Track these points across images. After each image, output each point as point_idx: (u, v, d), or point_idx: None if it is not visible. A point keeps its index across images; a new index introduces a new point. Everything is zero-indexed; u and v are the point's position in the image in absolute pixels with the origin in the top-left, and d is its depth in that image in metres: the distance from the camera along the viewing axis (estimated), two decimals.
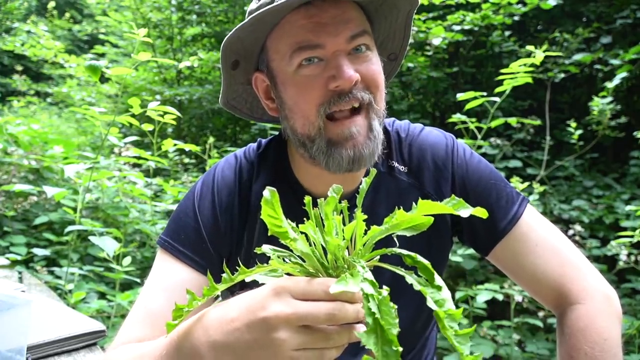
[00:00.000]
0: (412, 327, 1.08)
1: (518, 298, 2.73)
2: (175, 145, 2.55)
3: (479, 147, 3.12)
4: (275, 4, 0.84)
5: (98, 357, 1.19)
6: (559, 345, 0.98)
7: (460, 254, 2.89)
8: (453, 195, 0.63)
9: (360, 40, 0.90)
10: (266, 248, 0.68)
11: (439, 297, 0.60)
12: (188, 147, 2.57)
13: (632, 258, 2.75)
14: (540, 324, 2.89)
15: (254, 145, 1.11)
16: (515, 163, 3.88)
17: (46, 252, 2.47)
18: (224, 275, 0.68)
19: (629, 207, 3.05)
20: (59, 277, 2.53)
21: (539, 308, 3.04)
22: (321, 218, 0.64)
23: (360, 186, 0.69)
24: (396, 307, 0.56)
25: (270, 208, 0.61)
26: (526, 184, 2.74)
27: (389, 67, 1.08)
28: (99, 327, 1.26)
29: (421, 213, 0.61)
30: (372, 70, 0.91)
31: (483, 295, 2.67)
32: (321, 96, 0.89)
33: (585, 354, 0.90)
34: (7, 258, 2.12)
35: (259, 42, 0.94)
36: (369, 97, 0.90)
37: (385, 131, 1.07)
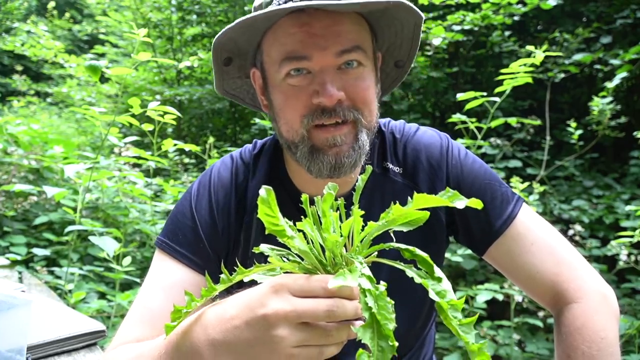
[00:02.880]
0: (410, 327, 1.08)
1: (518, 298, 2.73)
2: (175, 145, 2.55)
3: (479, 147, 3.12)
4: (264, 10, 0.83)
5: (98, 357, 1.19)
6: (556, 344, 0.98)
7: (460, 254, 2.89)
8: (448, 187, 0.63)
9: (350, 56, 0.88)
10: (264, 247, 0.68)
11: (440, 289, 0.61)
12: (188, 147, 2.57)
13: (632, 258, 2.75)
14: (540, 324, 2.89)
15: (249, 146, 1.11)
16: (515, 163, 3.88)
17: (46, 252, 2.47)
18: (222, 275, 0.68)
19: (629, 207, 3.05)
20: (59, 277, 2.53)
21: (539, 308, 3.04)
22: (318, 215, 0.64)
23: (356, 184, 0.70)
24: (393, 302, 0.57)
25: (267, 207, 0.61)
26: (526, 184, 2.74)
27: (395, 74, 1.07)
28: (99, 327, 1.26)
29: (416, 207, 0.61)
30: (360, 87, 0.90)
31: (483, 295, 2.67)
32: (305, 107, 0.89)
33: (582, 353, 0.90)
34: (7, 258, 2.12)
35: (252, 42, 0.94)
36: (354, 114, 0.89)
37: (380, 132, 1.08)
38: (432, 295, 0.60)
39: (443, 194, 0.61)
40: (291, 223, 0.64)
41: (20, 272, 1.98)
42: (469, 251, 2.91)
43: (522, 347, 3.01)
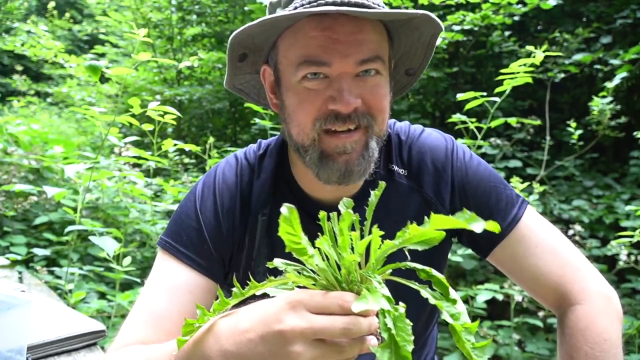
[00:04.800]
0: (413, 328, 1.08)
1: (518, 298, 2.73)
2: (175, 145, 2.54)
3: (479, 147, 3.12)
4: (289, 12, 0.82)
5: (98, 357, 1.19)
6: (559, 345, 0.98)
7: (460, 254, 2.89)
8: (465, 209, 0.61)
9: (369, 66, 0.87)
10: (278, 262, 0.68)
11: (455, 311, 0.60)
12: (188, 147, 2.57)
13: (632, 258, 2.75)
14: (540, 324, 2.89)
15: (254, 146, 1.11)
16: (515, 163, 3.88)
17: (46, 252, 2.47)
18: (234, 289, 0.68)
19: (629, 207, 3.05)
20: (59, 277, 2.53)
21: (539, 308, 3.04)
22: (334, 233, 0.64)
23: (369, 199, 0.69)
24: (412, 324, 0.56)
25: (289, 225, 0.60)
26: (526, 184, 2.74)
27: (405, 81, 1.07)
28: (99, 327, 1.26)
29: (434, 228, 0.61)
30: (377, 95, 0.89)
31: (483, 295, 2.67)
32: (318, 111, 0.88)
33: (585, 355, 0.90)
34: (7, 258, 2.12)
35: (270, 40, 0.93)
36: (368, 121, 0.89)
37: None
38: (446, 317, 0.59)
39: (460, 215, 0.60)
40: (307, 239, 0.64)
41: (20, 272, 1.98)
42: (469, 251, 2.91)
43: (522, 347, 3.01)
